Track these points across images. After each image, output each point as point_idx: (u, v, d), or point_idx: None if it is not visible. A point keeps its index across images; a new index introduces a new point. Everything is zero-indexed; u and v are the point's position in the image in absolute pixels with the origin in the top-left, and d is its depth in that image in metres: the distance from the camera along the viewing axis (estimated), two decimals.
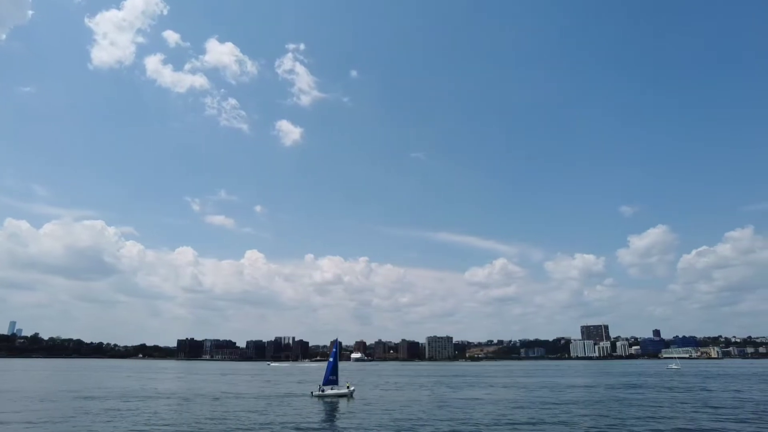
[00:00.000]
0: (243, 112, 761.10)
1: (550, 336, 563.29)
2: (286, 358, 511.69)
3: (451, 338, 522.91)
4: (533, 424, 41.68)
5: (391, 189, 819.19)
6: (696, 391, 74.69)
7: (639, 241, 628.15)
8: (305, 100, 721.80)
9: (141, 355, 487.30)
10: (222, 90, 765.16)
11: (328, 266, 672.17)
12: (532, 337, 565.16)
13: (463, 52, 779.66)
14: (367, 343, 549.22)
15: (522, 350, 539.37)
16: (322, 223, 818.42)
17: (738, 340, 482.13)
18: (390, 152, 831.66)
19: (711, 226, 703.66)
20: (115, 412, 48.52)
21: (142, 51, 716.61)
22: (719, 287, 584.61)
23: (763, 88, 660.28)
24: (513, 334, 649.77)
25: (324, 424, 42.81)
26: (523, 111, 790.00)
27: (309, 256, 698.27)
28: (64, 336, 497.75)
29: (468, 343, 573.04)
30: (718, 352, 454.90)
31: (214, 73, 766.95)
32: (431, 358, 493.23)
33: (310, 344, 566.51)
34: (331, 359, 71.05)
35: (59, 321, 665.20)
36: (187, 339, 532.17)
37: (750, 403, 56.74)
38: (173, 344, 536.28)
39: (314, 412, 51.30)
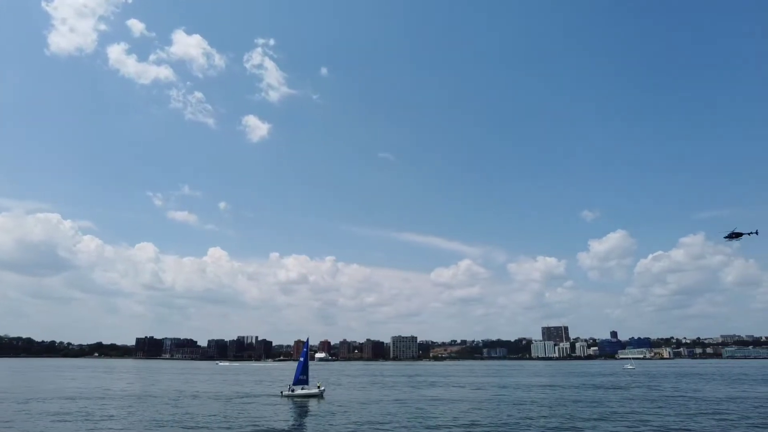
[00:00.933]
0: (209, 106, 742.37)
1: (511, 336, 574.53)
2: (249, 358, 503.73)
3: (416, 338, 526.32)
4: (495, 425, 41.95)
5: (358, 188, 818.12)
6: (645, 389, 77.05)
7: (599, 245, 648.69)
8: (274, 95, 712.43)
9: (96, 354, 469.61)
10: (188, 83, 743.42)
11: (293, 265, 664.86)
12: (494, 338, 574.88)
13: (434, 55, 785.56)
14: (332, 343, 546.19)
15: (484, 350, 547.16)
16: (288, 221, 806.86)
17: (688, 341, 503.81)
18: (358, 151, 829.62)
19: (666, 232, 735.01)
20: (60, 414, 46.23)
21: (105, 39, 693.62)
22: (672, 290, 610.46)
23: (713, 102, 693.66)
24: (476, 334, 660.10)
25: (292, 426, 41.96)
26: (491, 115, 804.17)
27: (274, 255, 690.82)
28: (13, 334, 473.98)
29: (432, 342, 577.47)
30: (669, 352, 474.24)
31: (180, 66, 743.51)
32: (396, 358, 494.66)
33: (273, 344, 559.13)
34: (301, 359, 70.32)
35: (8, 318, 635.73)
36: (146, 337, 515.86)
37: (699, 401, 58.75)
38: (132, 343, 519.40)
39: (283, 413, 50.27)
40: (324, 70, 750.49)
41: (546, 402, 60.76)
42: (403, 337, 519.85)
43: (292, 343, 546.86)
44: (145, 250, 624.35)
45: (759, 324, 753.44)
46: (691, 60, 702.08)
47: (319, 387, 68.52)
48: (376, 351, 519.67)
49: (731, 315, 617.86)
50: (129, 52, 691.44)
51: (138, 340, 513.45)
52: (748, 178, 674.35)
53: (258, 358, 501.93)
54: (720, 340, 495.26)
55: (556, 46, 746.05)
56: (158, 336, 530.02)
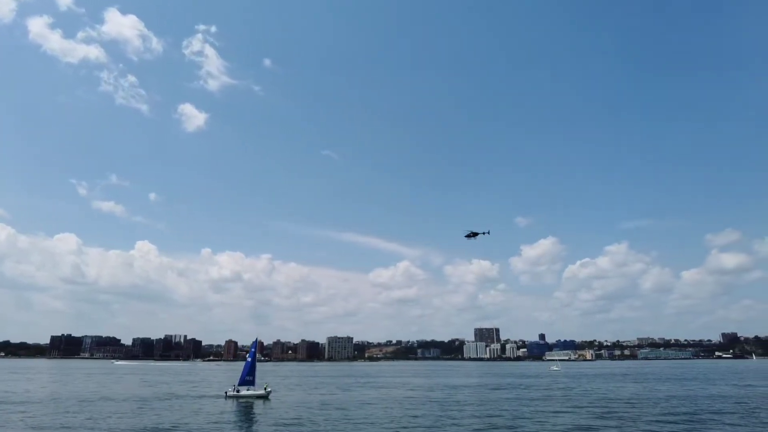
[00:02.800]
0: (143, 92, 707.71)
1: (445, 337, 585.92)
2: (177, 358, 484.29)
3: (352, 338, 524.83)
4: (427, 426, 42.02)
5: (299, 185, 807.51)
6: (565, 389, 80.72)
7: (530, 251, 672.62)
8: (213, 84, 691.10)
9: (2, 354, 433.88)
10: (120, 65, 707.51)
11: (226, 262, 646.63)
12: (428, 338, 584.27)
13: (380, 54, 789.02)
14: (265, 343, 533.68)
15: (419, 351, 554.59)
16: (223, 216, 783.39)
17: (608, 344, 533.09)
18: (300, 148, 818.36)
19: (593, 240, 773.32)
20: None
21: (25, 10, 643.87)
22: (597, 296, 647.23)
23: (633, 119, 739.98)
24: (411, 334, 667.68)
25: (234, 428, 40.36)
26: (434, 120, 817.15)
27: (206, 251, 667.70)
28: None
29: (368, 343, 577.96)
30: (592, 354, 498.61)
31: (112, 46, 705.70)
32: (330, 359, 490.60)
33: (203, 343, 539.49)
34: (248, 359, 68.74)
35: None
36: (63, 335, 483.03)
37: (607, 401, 61.69)
38: (46, 341, 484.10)
39: (226, 414, 48.36)
40: (267, 62, 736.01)
41: (468, 402, 61.89)
42: (338, 338, 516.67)
43: (222, 343, 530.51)
44: (66, 241, 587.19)
45: (670, 327, 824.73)
46: (622, 93, 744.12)
47: (266, 388, 66.90)
48: (310, 351, 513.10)
49: (647, 319, 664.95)
50: (53, 26, 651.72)
51: (53, 338, 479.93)
52: (665, 192, 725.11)
53: (186, 358, 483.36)
54: (636, 343, 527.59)
55: (492, 54, 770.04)
56: (77, 334, 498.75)
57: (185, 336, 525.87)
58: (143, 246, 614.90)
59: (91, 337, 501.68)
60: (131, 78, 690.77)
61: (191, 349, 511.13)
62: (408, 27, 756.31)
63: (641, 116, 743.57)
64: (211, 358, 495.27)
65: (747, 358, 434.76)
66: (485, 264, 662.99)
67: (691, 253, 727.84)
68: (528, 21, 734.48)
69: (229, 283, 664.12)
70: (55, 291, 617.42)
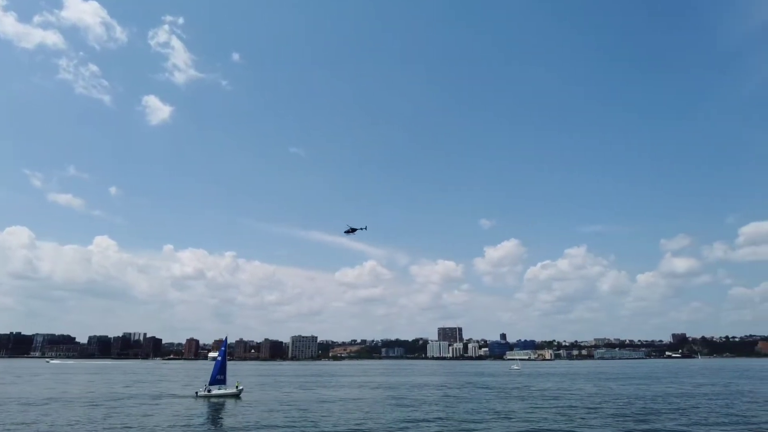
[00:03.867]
0: (105, 82, 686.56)
1: (410, 336, 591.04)
2: (135, 356, 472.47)
3: (316, 338, 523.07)
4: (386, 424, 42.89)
5: (265, 183, 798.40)
6: (522, 388, 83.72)
7: (494, 252, 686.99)
8: (180, 77, 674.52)
9: None
10: (81, 53, 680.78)
11: (189, 259, 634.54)
12: (393, 337, 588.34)
13: (350, 52, 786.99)
14: (228, 342, 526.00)
15: (383, 350, 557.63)
16: (186, 212, 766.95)
17: (567, 344, 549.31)
18: (267, 144, 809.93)
19: (554, 243, 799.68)
20: None
21: None
22: (557, 297, 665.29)
23: (594, 128, 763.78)
24: (376, 334, 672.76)
25: (206, 428, 39.98)
26: (403, 121, 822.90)
27: (168, 247, 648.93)
28: None
29: (332, 342, 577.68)
30: (551, 354, 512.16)
31: (72, 33, 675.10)
32: (294, 358, 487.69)
33: (163, 342, 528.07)
34: (219, 358, 67.95)
35: None
36: (11, 333, 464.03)
37: (563, 399, 64.56)
38: None
39: (196, 414, 47.67)
40: (236, 56, 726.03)
41: (425, 400, 63.55)
42: (303, 337, 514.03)
43: (183, 341, 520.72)
44: (17, 234, 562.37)
45: (625, 328, 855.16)
46: (578, 98, 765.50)
47: (237, 387, 66.67)
48: (274, 350, 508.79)
49: (604, 320, 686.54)
50: (6, 9, 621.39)
51: (0, 336, 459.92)
52: (623, 198, 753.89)
53: (145, 357, 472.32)
54: (593, 343, 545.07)
55: (461, 55, 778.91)
56: (27, 332, 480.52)
57: (145, 334, 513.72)
58: (102, 241, 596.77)
59: (43, 335, 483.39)
60: (92, 67, 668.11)
61: (151, 348, 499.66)
62: (378, 23, 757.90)
63: (602, 125, 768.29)
64: (172, 357, 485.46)
65: (694, 357, 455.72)
66: (450, 264, 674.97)
67: (646, 257, 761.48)
68: (500, 19, 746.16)
69: (192, 281, 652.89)
70: (3, 287, 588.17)
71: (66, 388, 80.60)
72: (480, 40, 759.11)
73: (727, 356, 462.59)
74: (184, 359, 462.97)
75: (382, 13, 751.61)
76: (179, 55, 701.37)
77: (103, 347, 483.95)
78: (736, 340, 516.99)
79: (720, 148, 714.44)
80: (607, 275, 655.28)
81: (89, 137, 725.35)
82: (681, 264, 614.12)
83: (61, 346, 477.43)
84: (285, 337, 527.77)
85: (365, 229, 68.71)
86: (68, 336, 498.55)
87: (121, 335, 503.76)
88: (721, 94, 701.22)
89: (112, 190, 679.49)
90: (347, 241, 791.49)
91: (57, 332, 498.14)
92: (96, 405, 54.22)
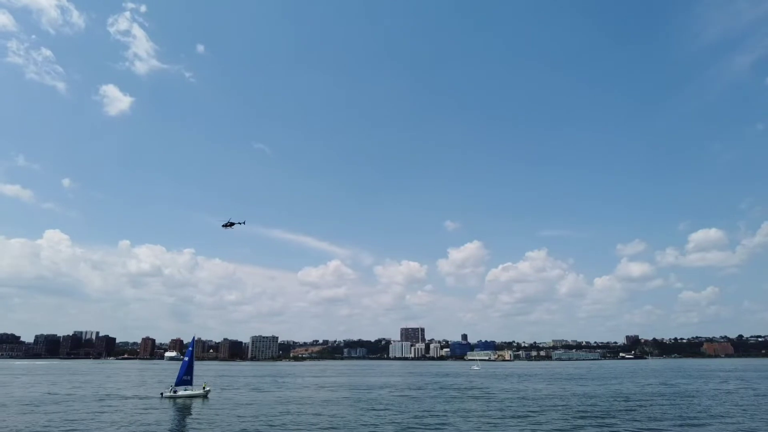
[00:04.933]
0: (60, 68, 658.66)
1: (372, 337, 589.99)
2: (87, 356, 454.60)
3: (277, 338, 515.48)
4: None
5: (227, 178, 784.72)
6: (480, 388, 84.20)
7: (457, 254, 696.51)
8: (141, 67, 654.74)
9: None
10: (33, 36, 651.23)
11: (146, 255, 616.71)
12: (356, 338, 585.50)
13: (321, 49, 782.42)
14: (185, 341, 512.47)
15: (345, 350, 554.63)
16: (144, 207, 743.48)
17: (526, 345, 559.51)
18: (231, 139, 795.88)
19: (516, 246, 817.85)
20: None
21: None
22: (517, 299, 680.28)
23: (554, 136, 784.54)
24: (338, 334, 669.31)
25: (170, 429, 38.67)
26: (370, 120, 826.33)
27: (124, 243, 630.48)
28: None
29: (293, 343, 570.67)
30: (511, 354, 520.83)
31: (23, 15, 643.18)
32: (254, 358, 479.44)
33: (117, 341, 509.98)
34: (185, 358, 66.78)
35: None
36: None
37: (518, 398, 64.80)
38: None
39: (160, 415, 45.96)
40: (200, 48, 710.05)
41: (380, 400, 62.76)
42: (263, 337, 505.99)
43: (139, 341, 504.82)
44: None
45: (582, 330, 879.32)
46: (539, 104, 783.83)
47: (204, 387, 65.55)
48: (233, 351, 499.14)
49: (562, 322, 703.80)
50: None
51: None
52: (583, 204, 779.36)
53: (98, 356, 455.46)
54: (551, 344, 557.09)
55: (424, 58, 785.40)
56: None
57: (97, 333, 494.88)
58: (53, 235, 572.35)
59: None
60: (46, 52, 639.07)
61: (104, 347, 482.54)
62: (348, 20, 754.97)
63: (562, 135, 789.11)
64: (126, 356, 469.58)
65: (645, 358, 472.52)
66: (414, 265, 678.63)
67: (604, 262, 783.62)
68: (465, 23, 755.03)
69: (148, 278, 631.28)
70: None
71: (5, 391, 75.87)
72: (447, 43, 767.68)
73: (675, 357, 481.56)
74: (140, 359, 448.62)
75: (351, 10, 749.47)
76: (141, 45, 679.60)
77: (51, 347, 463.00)
78: (684, 341, 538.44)
79: (674, 158, 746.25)
80: (566, 278, 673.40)
81: (41, 126, 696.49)
82: (636, 268, 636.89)
83: (3, 345, 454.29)
84: (245, 338, 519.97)
85: (243, 223, 67.91)
86: (12, 335, 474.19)
87: (71, 334, 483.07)
88: (675, 107, 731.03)
89: (66, 182, 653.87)
90: (311, 240, 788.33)
91: (0, 330, 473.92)
92: (55, 407, 50.99)
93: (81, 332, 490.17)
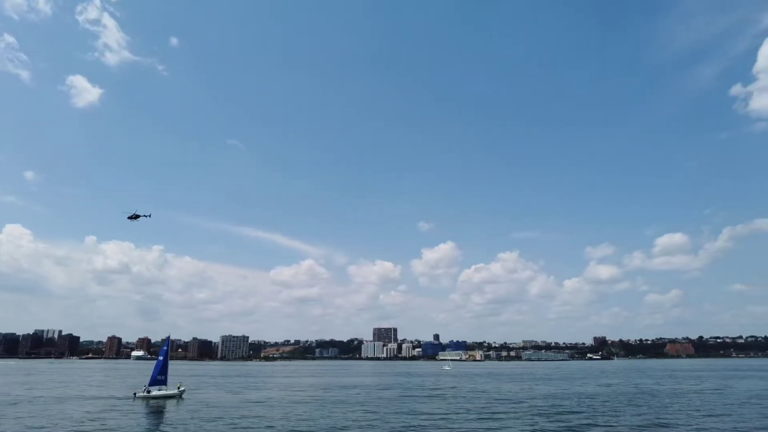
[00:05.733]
0: (24, 56, 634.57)
1: (345, 337, 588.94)
2: (48, 355, 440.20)
3: (247, 338, 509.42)
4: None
5: (199, 175, 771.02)
6: (449, 388, 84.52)
7: (431, 254, 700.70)
8: (111, 59, 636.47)
9: None
10: None
11: (113, 252, 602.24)
12: (328, 338, 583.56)
13: (296, 46, 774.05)
14: (153, 341, 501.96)
15: (317, 350, 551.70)
16: (112, 202, 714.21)
17: (497, 345, 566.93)
18: (204, 135, 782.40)
19: (488, 247, 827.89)
20: None
21: None
22: (488, 299, 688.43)
23: (526, 140, 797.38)
24: (311, 334, 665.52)
25: (144, 430, 37.91)
26: (346, 119, 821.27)
27: (91, 239, 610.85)
28: None
29: (264, 342, 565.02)
30: (481, 355, 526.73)
31: None
32: (224, 358, 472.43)
33: (81, 339, 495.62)
34: (160, 357, 65.30)
35: None
36: None
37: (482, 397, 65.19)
38: None
39: (134, 417, 44.72)
40: (174, 41, 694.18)
41: (348, 400, 62.63)
42: (233, 337, 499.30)
43: (104, 339, 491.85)
44: None
45: (552, 331, 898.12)
46: (509, 108, 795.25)
47: (179, 388, 64.06)
48: (202, 350, 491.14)
49: (532, 323, 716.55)
50: None
51: None
52: (554, 206, 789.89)
53: (60, 356, 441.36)
54: (521, 345, 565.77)
55: (402, 59, 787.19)
56: None
57: (60, 331, 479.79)
58: (14, 230, 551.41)
59: None
60: (9, 38, 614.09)
61: (66, 346, 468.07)
62: (326, 19, 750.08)
63: (536, 135, 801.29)
64: (90, 355, 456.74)
65: (611, 359, 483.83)
66: (388, 265, 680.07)
67: (573, 264, 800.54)
68: (440, 27, 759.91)
69: (116, 275, 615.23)
70: None
71: None
72: (424, 44, 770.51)
73: (640, 357, 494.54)
74: (105, 358, 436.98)
75: (329, 6, 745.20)
76: (112, 35, 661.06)
77: (9, 346, 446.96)
78: (649, 342, 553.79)
79: (643, 164, 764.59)
80: (537, 280, 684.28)
81: (2, 115, 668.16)
82: (604, 271, 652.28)
83: None
84: (215, 337, 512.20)
85: (149, 216, 67.57)
86: None
87: (32, 332, 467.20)
88: (644, 114, 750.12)
89: (28, 174, 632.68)
90: (284, 239, 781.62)
91: None
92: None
93: (42, 331, 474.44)
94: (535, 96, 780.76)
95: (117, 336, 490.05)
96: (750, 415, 47.40)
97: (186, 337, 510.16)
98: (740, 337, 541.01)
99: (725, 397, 65.62)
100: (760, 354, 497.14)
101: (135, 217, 65.66)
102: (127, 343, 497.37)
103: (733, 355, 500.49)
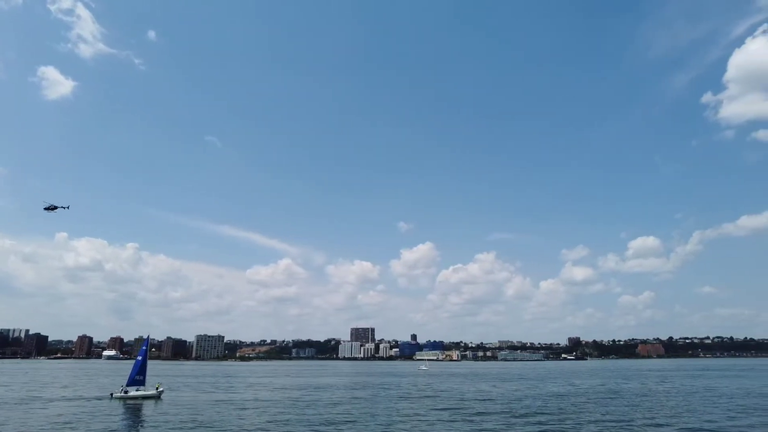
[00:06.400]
0: None
1: (322, 337, 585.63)
2: (14, 355, 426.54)
3: (223, 337, 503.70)
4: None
5: (175, 171, 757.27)
6: (423, 389, 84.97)
7: (409, 254, 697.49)
8: (86, 51, 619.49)
9: None
10: None
11: (86, 249, 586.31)
12: (305, 338, 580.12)
13: (277, 45, 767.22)
14: (125, 340, 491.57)
15: (294, 350, 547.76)
16: (85, 197, 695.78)
17: (473, 345, 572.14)
18: (181, 130, 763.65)
19: (466, 248, 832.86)
20: None
21: None
22: (466, 300, 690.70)
23: (504, 143, 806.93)
24: (287, 334, 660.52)
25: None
26: (325, 117, 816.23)
27: (62, 235, 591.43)
28: None
29: (240, 342, 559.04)
30: (458, 355, 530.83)
31: None
32: (199, 358, 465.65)
33: (50, 339, 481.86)
34: (139, 357, 64.61)
35: None
36: None
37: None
38: None
39: (110, 418, 43.47)
40: (152, 34, 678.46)
41: (323, 400, 62.56)
42: (208, 336, 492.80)
43: (74, 339, 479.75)
44: None
45: (527, 331, 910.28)
46: (487, 105, 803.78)
47: (157, 388, 63.40)
48: (177, 350, 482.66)
49: (507, 323, 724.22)
50: None
51: None
52: (530, 211, 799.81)
53: (27, 356, 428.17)
54: (497, 345, 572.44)
55: (381, 59, 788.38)
56: None
57: (27, 330, 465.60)
58: None
59: None
60: None
61: (34, 346, 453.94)
62: (307, 16, 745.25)
63: (515, 138, 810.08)
64: (60, 355, 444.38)
65: (585, 359, 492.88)
66: (367, 265, 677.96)
67: (549, 265, 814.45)
68: (424, 28, 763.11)
69: (88, 273, 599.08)
70: None
71: None
72: (406, 43, 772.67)
73: (613, 358, 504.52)
74: (75, 358, 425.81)
75: (312, 4, 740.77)
76: (86, 26, 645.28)
77: None
78: (621, 343, 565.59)
79: (619, 168, 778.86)
80: (513, 281, 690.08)
81: None
82: (579, 273, 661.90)
83: None
84: (189, 336, 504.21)
85: (67, 208, 67.15)
86: None
87: None
88: (621, 120, 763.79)
89: None
90: (261, 238, 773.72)
91: None
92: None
93: (8, 330, 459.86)
94: (514, 97, 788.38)
95: (88, 335, 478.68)
96: (717, 413, 48.62)
97: (160, 337, 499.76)
98: (708, 337, 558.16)
99: (691, 396, 67.21)
100: (725, 354, 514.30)
101: (52, 208, 64.44)
102: (99, 342, 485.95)
103: (701, 355, 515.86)
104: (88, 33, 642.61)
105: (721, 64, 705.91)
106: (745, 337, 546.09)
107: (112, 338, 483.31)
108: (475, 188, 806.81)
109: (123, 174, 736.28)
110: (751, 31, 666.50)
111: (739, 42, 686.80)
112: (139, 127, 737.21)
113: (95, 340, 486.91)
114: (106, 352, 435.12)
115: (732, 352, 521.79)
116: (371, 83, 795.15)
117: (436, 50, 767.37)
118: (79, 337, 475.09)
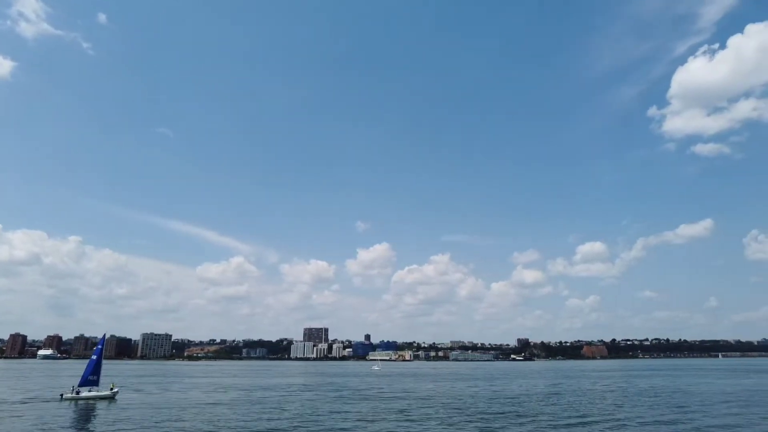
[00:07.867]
0: None
1: (274, 337, 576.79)
2: None
3: (170, 336, 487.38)
4: None
5: (124, 163, 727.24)
6: (371, 389, 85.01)
7: (366, 254, 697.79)
8: (28, 30, 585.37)
9: None
10: None
11: (21, 241, 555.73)
12: (256, 338, 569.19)
13: (235, 37, 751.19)
14: (64, 338, 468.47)
15: (244, 350, 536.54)
16: (22, 186, 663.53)
17: (426, 345, 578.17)
18: (131, 120, 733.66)
19: (422, 249, 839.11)
20: None
21: None
22: (420, 300, 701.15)
23: (463, 146, 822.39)
24: (238, 333, 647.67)
25: None
26: (281, 113, 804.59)
27: None
28: None
29: (188, 341, 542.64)
30: (411, 355, 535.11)
31: None
32: (144, 357, 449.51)
33: None
34: (93, 356, 61.86)
35: None
36: None
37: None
38: None
39: (59, 421, 41.24)
40: (102, 17, 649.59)
41: (266, 402, 61.59)
42: (155, 335, 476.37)
43: (6, 337, 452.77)
44: None
45: (478, 332, 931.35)
46: (463, 103, 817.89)
47: (112, 388, 61.16)
48: (120, 349, 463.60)
49: (460, 324, 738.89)
50: None
51: None
52: (483, 214, 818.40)
53: None
54: (449, 345, 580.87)
55: (341, 55, 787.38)
56: None
57: None
58: None
59: None
60: None
61: None
62: (272, 16, 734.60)
63: (471, 143, 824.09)
64: None
65: (533, 360, 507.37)
66: (322, 264, 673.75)
67: (501, 268, 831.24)
68: (390, 27, 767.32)
69: (24, 267, 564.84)
70: None
71: None
72: (358, 42, 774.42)
73: (559, 359, 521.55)
74: (5, 358, 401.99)
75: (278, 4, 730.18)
76: (28, 4, 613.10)
77: None
78: (568, 344, 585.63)
79: (568, 175, 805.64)
80: (466, 282, 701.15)
81: None
82: (529, 275, 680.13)
83: None
84: (135, 335, 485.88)
85: None
86: None
87: None
88: (570, 129, 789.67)
89: None
90: (213, 235, 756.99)
91: None
92: None
93: None
94: (467, 97, 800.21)
95: (21, 333, 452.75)
96: (643, 408, 50.32)
97: (102, 335, 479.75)
98: (647, 339, 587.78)
99: (625, 393, 69.87)
100: (662, 355, 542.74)
101: None
102: (34, 341, 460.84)
103: (640, 356, 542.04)
104: (30, 11, 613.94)
105: (666, 81, 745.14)
106: (680, 339, 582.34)
107: (49, 336, 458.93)
108: (431, 189, 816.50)
109: (67, 164, 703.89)
110: (693, 51, 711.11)
111: (682, 60, 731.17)
112: (85, 114, 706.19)
113: (30, 338, 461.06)
114: (41, 351, 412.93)
115: (668, 353, 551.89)
116: (329, 80, 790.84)
117: (393, 47, 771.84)
118: (11, 335, 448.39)
